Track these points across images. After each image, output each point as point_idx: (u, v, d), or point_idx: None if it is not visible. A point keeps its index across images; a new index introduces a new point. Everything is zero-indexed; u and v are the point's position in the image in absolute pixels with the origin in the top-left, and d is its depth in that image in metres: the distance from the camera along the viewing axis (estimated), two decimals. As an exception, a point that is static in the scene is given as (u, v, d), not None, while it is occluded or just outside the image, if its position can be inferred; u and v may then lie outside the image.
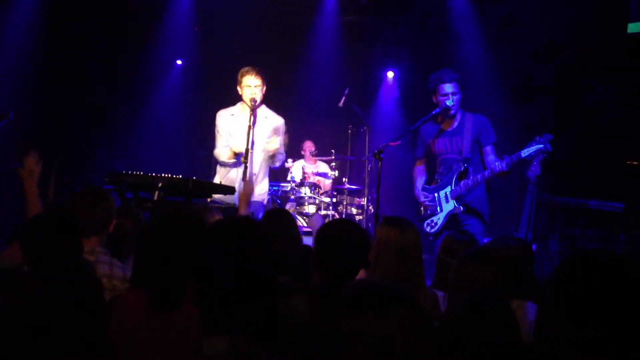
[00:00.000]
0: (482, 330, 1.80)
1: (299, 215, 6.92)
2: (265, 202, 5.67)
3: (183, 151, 8.78)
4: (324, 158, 7.99)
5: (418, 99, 8.43)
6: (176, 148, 8.90)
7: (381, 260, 2.99)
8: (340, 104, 7.29)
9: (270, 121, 5.51)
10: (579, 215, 6.29)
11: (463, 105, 5.24)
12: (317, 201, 7.00)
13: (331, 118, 8.28)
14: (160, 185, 4.37)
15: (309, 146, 8.19)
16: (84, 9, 7.88)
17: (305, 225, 6.52)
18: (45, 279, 2.11)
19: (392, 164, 7.56)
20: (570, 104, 7.08)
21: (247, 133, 5.19)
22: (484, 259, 2.51)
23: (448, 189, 5.17)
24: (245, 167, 5.12)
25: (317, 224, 4.72)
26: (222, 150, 5.52)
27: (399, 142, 5.44)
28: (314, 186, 7.11)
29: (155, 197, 4.34)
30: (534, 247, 4.57)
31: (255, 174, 5.43)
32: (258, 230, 1.87)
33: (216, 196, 5.27)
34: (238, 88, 5.45)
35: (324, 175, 7.69)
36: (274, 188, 6.27)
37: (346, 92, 7.24)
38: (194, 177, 4.58)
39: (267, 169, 5.67)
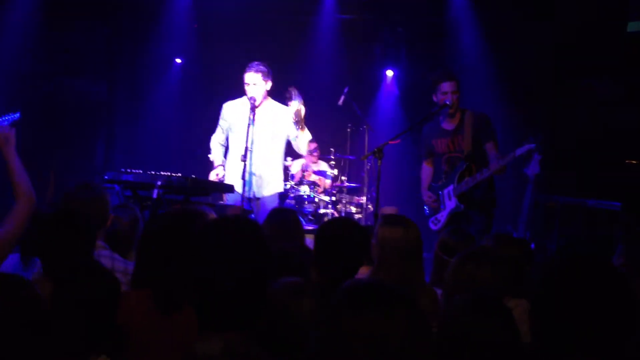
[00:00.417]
0: (480, 329, 1.80)
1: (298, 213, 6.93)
2: (277, 200, 5.64)
3: (182, 149, 8.78)
4: (323, 156, 8.00)
5: (417, 98, 8.44)
6: (176, 146, 8.90)
7: (385, 259, 2.98)
8: (340, 102, 7.29)
9: (277, 115, 5.48)
10: (577, 214, 6.30)
11: (463, 103, 5.26)
12: (316, 200, 7.01)
13: (330, 117, 8.28)
14: (159, 183, 4.37)
15: (313, 147, 8.18)
16: (84, 6, 7.88)
17: (305, 223, 6.53)
18: (60, 278, 2.11)
19: (392, 163, 7.58)
20: (569, 103, 7.09)
21: (246, 130, 5.18)
22: (483, 258, 2.52)
23: (451, 187, 5.22)
24: (245, 166, 5.11)
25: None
26: (214, 148, 5.57)
27: (399, 140, 5.45)
28: (314, 185, 7.11)
29: (154, 196, 4.34)
30: (532, 246, 4.58)
31: (255, 172, 5.39)
32: (254, 230, 1.88)
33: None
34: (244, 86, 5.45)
35: (323, 173, 7.69)
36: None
37: (345, 90, 7.24)
38: (193, 176, 4.59)
39: (282, 159, 5.65)
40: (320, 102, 8.46)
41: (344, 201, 7.26)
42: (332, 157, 7.61)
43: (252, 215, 5.19)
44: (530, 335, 1.87)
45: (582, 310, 1.64)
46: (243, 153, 5.13)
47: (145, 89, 9.04)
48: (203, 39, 8.96)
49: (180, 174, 4.52)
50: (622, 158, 6.40)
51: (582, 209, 6.27)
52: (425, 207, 5.52)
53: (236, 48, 8.28)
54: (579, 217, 6.30)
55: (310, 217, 6.78)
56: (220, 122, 5.60)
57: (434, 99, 5.23)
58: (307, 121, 8.00)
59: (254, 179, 5.36)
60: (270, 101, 5.53)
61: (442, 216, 5.29)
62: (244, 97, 5.46)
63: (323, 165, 8.01)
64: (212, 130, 5.70)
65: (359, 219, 7.15)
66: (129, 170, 4.57)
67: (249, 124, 5.18)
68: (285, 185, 7.06)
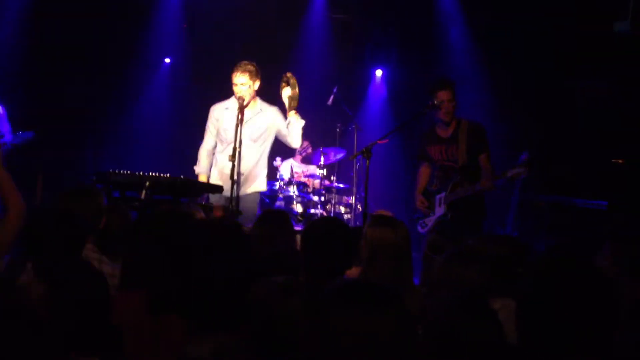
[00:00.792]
0: (464, 328, 1.82)
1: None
2: (257, 198, 5.64)
3: (171, 150, 8.76)
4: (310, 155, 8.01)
5: (406, 98, 8.47)
6: (164, 147, 8.87)
7: (374, 259, 2.99)
8: (329, 102, 7.29)
9: (265, 114, 5.49)
10: (565, 213, 6.33)
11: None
12: (305, 200, 7.01)
13: (320, 116, 8.28)
14: (147, 184, 4.36)
15: (305, 145, 8.16)
16: (72, 6, 7.84)
17: (294, 224, 6.52)
18: (50, 277, 2.11)
19: (380, 163, 7.59)
20: (557, 103, 7.13)
21: (234, 131, 5.17)
22: (468, 258, 2.53)
23: (442, 195, 5.31)
24: (233, 166, 5.10)
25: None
26: (201, 159, 5.58)
27: (387, 140, 5.50)
28: (302, 185, 7.11)
29: (143, 196, 4.34)
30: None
31: (243, 174, 5.39)
32: (236, 232, 1.89)
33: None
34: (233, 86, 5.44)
35: (313, 175, 7.69)
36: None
37: (335, 90, 7.25)
38: (182, 176, 4.58)
39: (267, 159, 5.65)
40: (310, 101, 8.47)
41: (333, 201, 7.26)
42: (322, 154, 7.60)
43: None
44: (516, 335, 1.88)
45: (567, 311, 1.66)
46: (231, 153, 5.13)
47: (135, 88, 9.01)
48: (192, 39, 8.94)
49: (168, 175, 4.51)
50: (608, 157, 6.44)
51: (569, 208, 6.31)
52: (417, 209, 5.56)
53: (226, 48, 8.26)
54: (566, 217, 6.33)
55: (299, 217, 6.78)
56: (209, 125, 5.58)
57: (430, 103, 5.28)
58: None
59: (236, 176, 5.35)
60: (259, 101, 5.53)
61: (430, 221, 5.38)
62: (232, 98, 5.46)
63: (312, 169, 8.00)
64: (201, 130, 5.69)
65: (348, 219, 7.16)
66: (117, 171, 4.56)
67: (237, 124, 5.17)
68: (275, 185, 7.04)
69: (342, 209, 7.35)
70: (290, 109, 5.34)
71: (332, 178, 7.46)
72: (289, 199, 7.00)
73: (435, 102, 5.21)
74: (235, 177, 5.11)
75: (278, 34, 8.72)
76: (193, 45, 8.95)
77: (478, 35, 7.98)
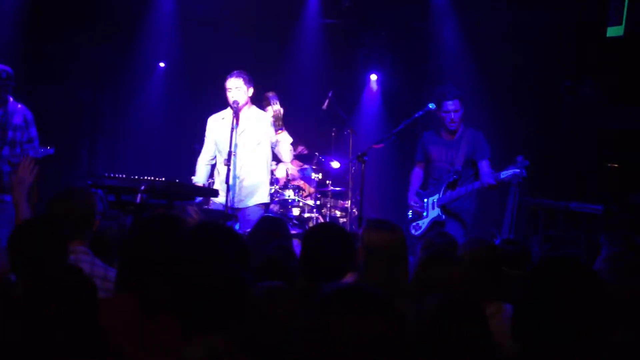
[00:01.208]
0: (451, 331, 1.82)
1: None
2: (264, 209, 5.64)
3: (166, 154, 8.74)
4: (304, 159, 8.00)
5: (401, 102, 8.49)
6: (159, 151, 8.86)
7: (371, 263, 2.99)
8: (324, 107, 7.30)
9: (260, 122, 5.51)
10: (560, 217, 6.35)
11: None
12: (300, 204, 7.00)
13: (315, 121, 8.29)
14: (142, 188, 4.35)
15: (300, 150, 8.17)
16: (67, 9, 7.83)
17: (290, 227, 6.51)
18: (32, 286, 2.10)
19: (376, 167, 7.59)
20: (552, 107, 7.15)
21: (229, 136, 5.18)
22: (446, 260, 2.55)
23: (436, 197, 5.42)
24: (229, 170, 5.11)
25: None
26: (199, 170, 5.59)
27: (382, 144, 5.58)
28: (298, 189, 7.11)
29: (138, 201, 4.33)
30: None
31: (239, 177, 5.40)
32: (230, 233, 1.89)
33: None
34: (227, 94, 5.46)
35: (308, 178, 7.69)
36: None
37: (329, 95, 7.25)
38: (177, 180, 4.57)
39: (267, 168, 5.64)
40: (305, 106, 8.48)
41: (328, 205, 7.26)
42: (315, 159, 7.60)
43: (237, 225, 5.20)
44: (512, 339, 1.88)
45: (563, 314, 1.67)
46: (227, 157, 5.14)
47: (129, 92, 8.99)
48: (187, 43, 8.93)
49: (163, 179, 4.51)
50: (603, 161, 6.47)
51: (564, 212, 6.33)
52: (410, 211, 5.67)
53: (220, 52, 8.26)
54: (561, 220, 6.35)
55: (294, 221, 6.77)
56: (207, 136, 5.63)
57: (438, 115, 5.45)
58: (292, 125, 7.99)
59: (237, 187, 5.36)
60: (254, 108, 5.55)
61: (424, 223, 5.49)
62: (229, 108, 5.49)
63: (307, 170, 8.00)
64: (195, 133, 5.71)
65: (344, 223, 7.16)
66: (112, 175, 4.56)
67: (232, 128, 5.19)
68: (270, 189, 7.04)
69: (338, 213, 7.35)
70: (277, 128, 5.38)
71: (327, 182, 7.46)
72: (284, 203, 6.99)
73: (442, 113, 5.36)
74: (231, 181, 5.12)
75: (272, 39, 8.73)
76: (187, 49, 8.93)
77: (471, 38, 8.00)
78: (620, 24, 6.00)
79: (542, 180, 6.70)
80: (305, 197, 7.08)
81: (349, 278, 2.96)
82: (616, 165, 6.34)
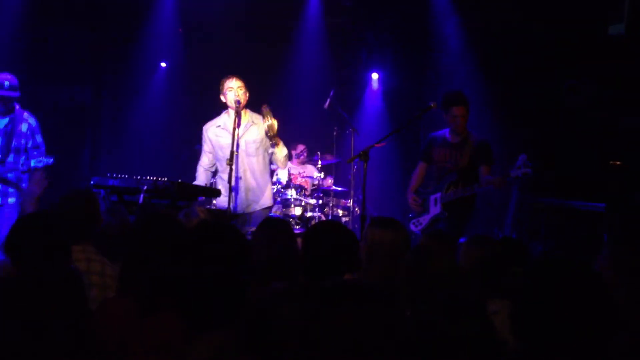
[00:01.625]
0: (454, 329, 1.82)
1: (285, 217, 6.92)
2: (272, 212, 5.66)
3: (168, 153, 8.75)
4: (310, 158, 8.01)
5: (403, 101, 8.48)
6: (161, 150, 8.87)
7: (374, 261, 3.00)
8: (326, 106, 7.30)
9: (259, 125, 5.52)
10: (562, 215, 6.35)
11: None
12: (303, 203, 7.01)
13: (316, 120, 8.29)
14: (145, 188, 4.36)
15: (301, 149, 8.17)
16: (68, 9, 7.83)
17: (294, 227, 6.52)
18: (34, 284, 2.11)
19: (378, 165, 7.60)
20: (554, 105, 7.14)
21: (232, 135, 5.19)
22: (431, 254, 2.57)
23: (438, 195, 5.53)
24: (231, 170, 5.12)
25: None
26: (199, 175, 5.61)
27: (384, 143, 5.61)
28: (300, 188, 7.12)
29: (141, 201, 4.34)
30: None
31: (241, 177, 5.41)
32: (233, 232, 1.90)
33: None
34: (221, 97, 5.47)
35: (310, 177, 7.69)
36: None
37: (331, 94, 7.25)
38: (180, 180, 4.58)
39: (268, 172, 5.66)
40: (306, 105, 8.49)
41: (331, 204, 7.26)
42: (319, 159, 7.62)
43: (247, 228, 5.21)
44: (512, 337, 1.88)
45: (563, 313, 1.66)
46: (229, 157, 5.14)
47: (131, 93, 9.00)
48: (188, 43, 8.94)
49: (166, 179, 4.51)
50: (606, 159, 6.45)
51: (567, 210, 6.32)
52: (411, 209, 5.78)
53: (221, 52, 8.27)
54: (564, 218, 6.34)
55: (297, 220, 6.78)
56: (204, 145, 5.65)
57: (445, 118, 5.55)
58: (294, 124, 8.00)
59: (243, 191, 5.39)
60: (249, 113, 5.58)
61: (425, 219, 5.61)
62: (223, 115, 5.52)
63: (310, 169, 8.01)
64: (198, 135, 5.72)
65: (346, 221, 7.16)
66: (115, 175, 4.56)
67: (234, 128, 5.19)
68: (272, 189, 7.06)
69: (340, 212, 7.35)
70: (271, 141, 5.38)
71: (329, 181, 7.47)
72: (286, 203, 7.00)
73: (449, 118, 5.45)
74: (233, 182, 5.14)
75: (274, 38, 8.73)
76: (189, 49, 8.94)
77: (473, 37, 7.99)
78: (622, 21, 6.00)
79: (544, 179, 6.69)
80: (308, 196, 7.08)
81: (351, 276, 2.97)
82: (618, 163, 6.33)
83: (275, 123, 5.29)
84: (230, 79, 5.42)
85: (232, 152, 5.14)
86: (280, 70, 8.75)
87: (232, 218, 5.04)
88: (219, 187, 5.48)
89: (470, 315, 1.88)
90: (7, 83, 5.31)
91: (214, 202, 5.38)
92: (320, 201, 7.15)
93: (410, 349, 1.75)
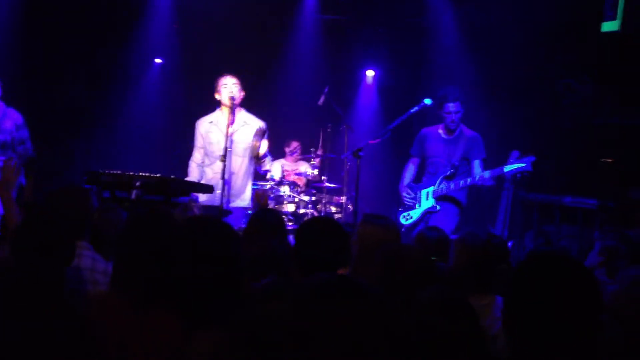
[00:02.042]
0: (442, 325, 1.83)
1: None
2: (249, 211, 5.69)
3: (162, 150, 8.74)
4: (304, 156, 8.01)
5: (397, 98, 8.49)
6: (155, 147, 8.85)
7: (365, 257, 3.01)
8: (320, 102, 7.30)
9: (251, 126, 5.54)
10: (554, 212, 6.37)
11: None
12: (296, 200, 7.01)
13: (311, 117, 8.29)
14: (137, 184, 4.36)
15: (295, 146, 8.16)
16: (62, 6, 7.81)
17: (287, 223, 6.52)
18: (36, 280, 2.11)
19: (371, 162, 7.61)
20: (547, 102, 7.16)
21: (225, 132, 5.20)
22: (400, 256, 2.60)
23: (431, 189, 5.59)
24: (224, 166, 5.13)
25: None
26: (192, 172, 5.62)
27: (378, 140, 5.63)
28: (294, 185, 7.12)
29: (133, 196, 4.33)
30: (509, 244, 4.69)
31: (234, 173, 5.43)
32: (224, 228, 1.90)
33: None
34: (216, 95, 5.48)
35: (303, 174, 7.69)
36: (253, 187, 6.28)
37: (326, 90, 7.25)
38: (173, 176, 4.57)
39: (250, 174, 5.70)
40: (301, 102, 8.48)
41: (323, 201, 7.26)
42: (313, 156, 7.62)
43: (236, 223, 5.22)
44: (503, 333, 1.89)
45: (553, 310, 1.66)
46: (222, 153, 5.15)
47: (125, 89, 8.98)
48: (183, 39, 8.92)
49: (159, 175, 4.51)
50: (596, 156, 6.48)
51: (559, 207, 6.35)
52: (402, 203, 5.86)
53: (217, 48, 8.26)
54: (555, 215, 6.36)
55: (290, 217, 6.78)
56: (196, 140, 5.66)
57: (439, 114, 5.63)
58: (288, 120, 8.00)
59: (221, 187, 5.41)
60: (244, 112, 5.58)
61: (416, 213, 5.69)
62: (217, 111, 5.53)
63: (303, 166, 8.01)
64: (191, 129, 5.73)
65: (339, 218, 7.16)
66: (107, 171, 4.56)
67: (228, 125, 5.20)
68: (265, 185, 7.06)
69: (333, 209, 7.35)
70: (256, 159, 5.44)
71: (322, 178, 7.47)
72: (279, 199, 6.99)
73: (444, 114, 5.52)
74: (227, 176, 5.14)
75: (269, 35, 8.72)
76: (184, 45, 8.93)
77: (468, 34, 8.00)
78: (615, 19, 6.00)
79: (537, 175, 6.71)
80: (301, 193, 7.08)
81: (343, 272, 2.97)
82: (610, 161, 6.35)
83: (258, 145, 5.31)
84: (225, 77, 5.47)
85: (225, 149, 5.15)
86: (274, 66, 8.75)
87: (225, 214, 5.05)
88: (203, 181, 5.51)
89: (459, 312, 1.89)
90: None
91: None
92: (313, 198, 7.16)
93: (404, 345, 1.76)
